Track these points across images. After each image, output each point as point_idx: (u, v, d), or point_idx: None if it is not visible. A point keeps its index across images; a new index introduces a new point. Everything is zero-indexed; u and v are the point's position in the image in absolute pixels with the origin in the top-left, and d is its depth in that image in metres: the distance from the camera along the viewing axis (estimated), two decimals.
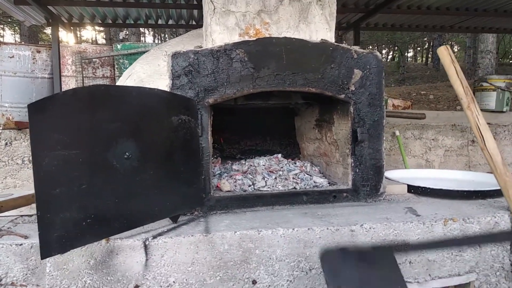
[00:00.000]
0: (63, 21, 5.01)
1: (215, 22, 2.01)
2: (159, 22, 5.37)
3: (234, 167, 2.47)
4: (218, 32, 2.02)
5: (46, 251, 1.26)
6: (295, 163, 2.46)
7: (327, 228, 1.66)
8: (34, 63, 6.72)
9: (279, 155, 2.63)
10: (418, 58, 34.72)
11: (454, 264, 1.77)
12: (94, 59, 6.89)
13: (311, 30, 2.11)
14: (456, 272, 1.77)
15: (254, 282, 1.62)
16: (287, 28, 2.08)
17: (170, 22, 5.38)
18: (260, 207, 1.97)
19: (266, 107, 2.80)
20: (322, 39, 2.00)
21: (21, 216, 1.93)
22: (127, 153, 1.49)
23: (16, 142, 4.47)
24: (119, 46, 6.96)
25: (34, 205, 1.92)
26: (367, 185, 2.05)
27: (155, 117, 1.64)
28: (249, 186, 2.10)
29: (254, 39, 1.92)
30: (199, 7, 4.38)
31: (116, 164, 1.45)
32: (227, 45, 1.87)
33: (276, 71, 1.92)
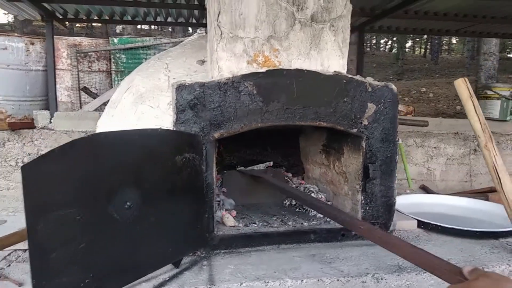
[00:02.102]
0: (58, 17, 4.82)
1: (222, 49, 1.89)
2: (158, 19, 5.19)
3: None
4: (225, 59, 1.90)
5: None
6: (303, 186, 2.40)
7: (338, 279, 1.59)
8: (27, 55, 6.54)
9: (289, 175, 2.56)
10: (417, 49, 34.54)
11: None
12: (90, 53, 6.72)
13: (323, 57, 1.99)
14: None
15: None
16: (298, 55, 1.96)
17: (169, 19, 5.21)
18: (266, 246, 1.88)
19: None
20: (335, 71, 1.89)
21: (15, 251, 1.84)
22: (128, 203, 1.39)
23: (9, 143, 4.34)
24: (115, 40, 6.79)
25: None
26: (377, 223, 1.97)
27: (158, 159, 1.53)
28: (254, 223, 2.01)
29: (264, 70, 1.81)
30: (201, 7, 4.22)
31: (116, 216, 1.35)
32: (235, 77, 1.76)
33: (286, 104, 1.82)
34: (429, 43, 27.42)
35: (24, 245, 1.86)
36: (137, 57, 6.69)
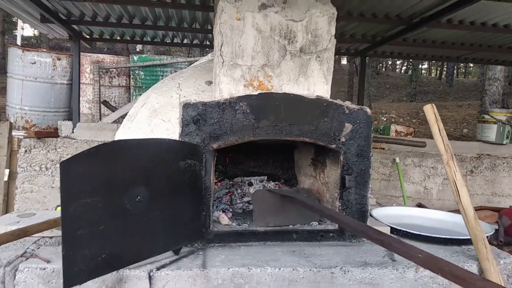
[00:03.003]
0: (84, 36, 5.31)
1: (223, 74, 2.25)
2: (175, 40, 5.63)
3: (237, 193, 2.72)
4: (226, 82, 2.26)
5: (68, 282, 1.50)
6: None
7: (310, 270, 1.89)
8: (54, 69, 7.07)
9: (284, 187, 2.87)
10: (433, 71, 34.66)
11: None
12: (111, 69, 7.20)
13: (310, 83, 2.34)
14: None
15: None
16: (288, 80, 2.31)
17: (186, 41, 5.65)
18: (254, 242, 2.20)
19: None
20: (317, 96, 2.23)
21: (43, 237, 2.19)
22: (138, 197, 1.73)
23: (35, 150, 4.76)
24: (135, 58, 7.28)
25: (54, 229, 2.18)
26: None
27: (165, 163, 1.88)
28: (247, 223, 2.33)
29: (257, 93, 2.16)
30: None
31: (129, 206, 1.70)
32: (232, 98, 2.11)
33: (275, 122, 2.16)
34: (445, 66, 27.50)
35: (50, 233, 2.22)
36: (155, 74, 7.14)
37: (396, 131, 6.01)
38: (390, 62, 34.22)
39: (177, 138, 2.12)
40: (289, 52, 2.30)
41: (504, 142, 5.60)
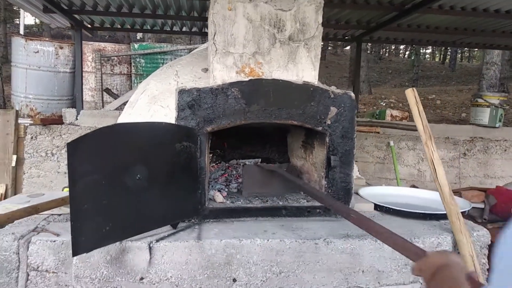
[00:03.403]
0: (86, 26, 5.43)
1: (216, 61, 2.40)
2: (174, 28, 5.75)
3: (232, 175, 2.90)
4: (219, 69, 2.41)
5: (76, 250, 1.69)
6: None
7: (296, 241, 2.07)
8: (57, 58, 7.20)
9: None
10: (436, 55, 34.42)
11: (400, 275, 2.16)
12: (112, 57, 7.33)
13: (298, 69, 2.48)
14: (401, 281, 2.16)
15: (234, 280, 2.04)
16: (278, 67, 2.46)
17: (184, 29, 5.77)
18: (246, 218, 2.38)
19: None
20: (304, 81, 2.38)
21: (52, 215, 2.38)
22: (138, 175, 1.91)
23: (40, 136, 4.95)
24: (136, 46, 7.40)
25: (62, 207, 2.37)
26: None
27: (162, 145, 2.05)
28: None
29: (247, 79, 2.31)
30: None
31: (129, 184, 1.87)
32: (224, 84, 2.27)
33: (264, 106, 2.31)
34: (448, 50, 27.24)
35: (58, 210, 2.40)
36: (155, 62, 7.27)
37: (391, 115, 6.14)
38: (393, 47, 33.97)
39: (174, 122, 2.28)
40: (279, 40, 2.44)
41: (497, 125, 5.72)
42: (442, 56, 31.06)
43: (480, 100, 5.81)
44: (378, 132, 5.62)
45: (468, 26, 5.23)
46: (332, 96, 2.37)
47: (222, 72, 2.41)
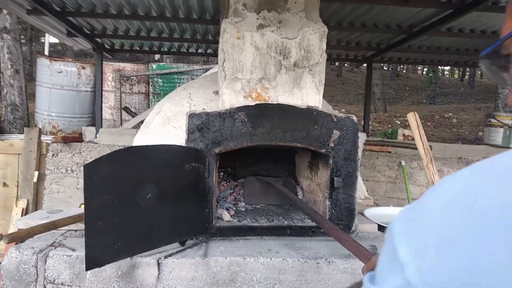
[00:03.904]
0: (106, 48, 5.70)
1: (225, 87, 2.54)
2: (190, 50, 5.97)
3: (240, 193, 3.01)
4: (227, 94, 2.54)
5: (89, 264, 1.81)
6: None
7: (298, 260, 2.15)
8: (79, 78, 7.54)
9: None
10: (456, 71, 34.02)
11: None
12: (131, 77, 7.62)
13: (303, 93, 2.60)
14: None
15: None
16: (283, 92, 2.58)
17: (200, 51, 5.98)
18: (251, 237, 2.47)
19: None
20: (308, 106, 2.49)
21: (69, 230, 2.52)
22: (149, 194, 2.03)
23: (61, 153, 5.17)
24: (154, 66, 7.67)
25: (78, 223, 2.51)
26: (341, 224, 2.51)
27: (172, 166, 2.18)
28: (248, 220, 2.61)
29: (253, 104, 2.44)
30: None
31: (140, 203, 2.00)
32: (231, 109, 2.40)
33: (270, 129, 2.43)
34: (467, 67, 26.90)
35: (75, 226, 2.55)
36: (172, 81, 7.51)
37: (403, 135, 6.16)
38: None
39: (184, 144, 2.42)
40: (284, 67, 2.57)
41: (510, 145, 5.68)
42: (461, 72, 30.70)
43: (493, 120, 5.80)
44: (390, 152, 5.65)
45: (479, 47, 5.27)
46: (335, 120, 2.47)
47: (231, 96, 2.55)
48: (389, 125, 10.91)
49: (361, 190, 3.60)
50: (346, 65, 27.12)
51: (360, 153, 4.45)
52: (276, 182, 3.05)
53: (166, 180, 2.14)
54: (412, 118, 2.49)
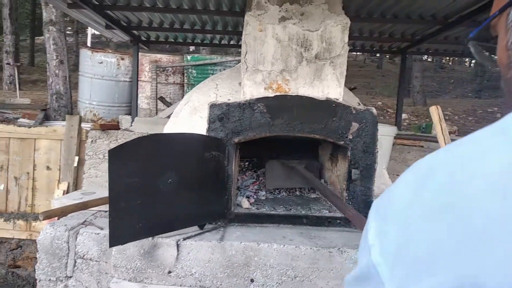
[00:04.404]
0: (142, 40, 5.92)
1: (247, 78, 2.61)
2: (222, 42, 6.08)
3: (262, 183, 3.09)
4: (248, 85, 2.61)
5: (113, 242, 1.96)
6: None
7: (311, 248, 2.21)
8: (118, 68, 7.86)
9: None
10: None
11: None
12: (167, 68, 7.85)
13: (324, 86, 2.62)
14: None
15: (252, 280, 2.22)
16: (304, 84, 2.61)
17: (232, 42, 6.07)
18: (269, 224, 2.55)
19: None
20: (327, 98, 2.51)
21: (100, 211, 2.71)
22: (170, 180, 2.16)
23: (99, 140, 5.46)
24: (189, 57, 7.86)
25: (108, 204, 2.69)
26: None
27: (193, 153, 2.29)
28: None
29: (273, 95, 2.50)
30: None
31: (162, 187, 2.13)
32: (251, 100, 2.47)
33: (288, 120, 2.48)
34: None
35: (105, 207, 2.72)
36: (206, 72, 7.67)
37: None
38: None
39: (205, 133, 2.52)
40: (305, 59, 2.60)
41: None
42: None
43: None
44: (422, 146, 5.52)
45: None
46: (354, 112, 2.48)
47: (252, 88, 2.62)
48: (427, 119, 10.56)
49: (386, 183, 3.57)
50: (387, 56, 26.36)
51: (389, 147, 4.40)
52: (298, 165, 3.11)
53: (187, 166, 2.25)
54: (435, 111, 2.46)
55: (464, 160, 0.38)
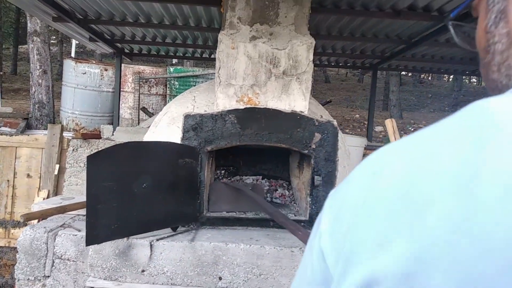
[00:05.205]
0: (126, 52, 6.11)
1: (220, 91, 2.82)
2: (204, 55, 6.31)
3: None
4: (221, 98, 2.82)
5: (89, 241, 2.12)
6: (285, 193, 3.23)
7: (274, 248, 2.40)
8: (101, 79, 7.99)
9: (275, 184, 3.39)
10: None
11: None
12: (150, 79, 8.02)
13: (290, 99, 2.85)
14: None
15: (220, 278, 2.39)
16: (272, 97, 2.84)
17: (213, 56, 6.31)
18: (238, 227, 2.74)
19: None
20: (292, 110, 2.74)
21: (78, 215, 2.86)
22: (144, 184, 2.33)
23: (81, 149, 5.57)
24: (171, 69, 8.05)
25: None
26: None
27: (167, 160, 2.47)
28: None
29: (243, 107, 2.71)
30: None
31: (136, 191, 2.30)
32: (223, 111, 2.68)
33: (257, 131, 2.69)
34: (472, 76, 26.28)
35: (83, 211, 2.87)
36: (188, 84, 7.86)
37: None
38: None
39: (180, 142, 2.71)
40: (274, 74, 2.83)
41: None
42: None
43: None
44: None
45: (474, 56, 5.37)
46: (317, 124, 2.71)
47: (224, 100, 2.83)
48: (402, 132, 10.96)
49: None
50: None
51: (358, 157, 4.65)
52: (244, 187, 3.03)
53: (161, 172, 2.43)
54: (389, 124, 2.71)
55: (416, 148, 0.38)
